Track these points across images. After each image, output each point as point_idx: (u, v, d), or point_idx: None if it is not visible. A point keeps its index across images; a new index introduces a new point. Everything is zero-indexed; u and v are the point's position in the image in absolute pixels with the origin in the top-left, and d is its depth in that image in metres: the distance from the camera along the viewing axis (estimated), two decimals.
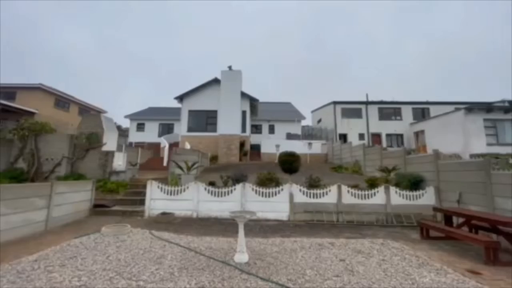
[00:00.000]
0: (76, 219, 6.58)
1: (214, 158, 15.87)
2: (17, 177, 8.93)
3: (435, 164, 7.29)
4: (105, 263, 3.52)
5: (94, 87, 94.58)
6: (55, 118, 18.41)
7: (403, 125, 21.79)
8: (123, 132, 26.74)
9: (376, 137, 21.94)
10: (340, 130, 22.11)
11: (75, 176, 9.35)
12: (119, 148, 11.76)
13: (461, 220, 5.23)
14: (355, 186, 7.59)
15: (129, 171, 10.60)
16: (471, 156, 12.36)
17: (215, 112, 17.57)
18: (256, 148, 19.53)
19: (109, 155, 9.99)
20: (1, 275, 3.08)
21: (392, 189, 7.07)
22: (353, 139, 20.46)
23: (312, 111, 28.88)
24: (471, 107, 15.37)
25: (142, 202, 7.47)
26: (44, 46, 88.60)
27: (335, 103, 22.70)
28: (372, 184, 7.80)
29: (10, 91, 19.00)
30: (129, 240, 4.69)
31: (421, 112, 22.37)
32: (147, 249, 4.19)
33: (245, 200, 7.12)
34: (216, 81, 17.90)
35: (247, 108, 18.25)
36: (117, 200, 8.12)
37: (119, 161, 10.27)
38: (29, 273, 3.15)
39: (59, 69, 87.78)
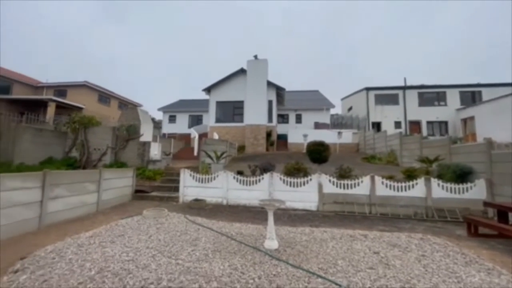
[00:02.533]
0: (121, 203, 7.32)
1: (241, 148, 16.17)
2: (72, 164, 10.18)
3: (487, 154, 6.46)
4: (147, 242, 3.89)
5: (129, 82, 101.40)
6: (98, 112, 20.31)
7: (448, 111, 19.59)
8: (156, 124, 28.54)
9: (415, 125, 20.12)
10: (373, 118, 20.72)
11: (118, 164, 10.32)
12: (154, 139, 12.61)
13: None
14: (390, 177, 7.14)
15: (164, 160, 11.36)
16: None
17: (241, 102, 17.71)
18: (282, 138, 19.36)
19: (146, 145, 10.78)
20: (66, 247, 3.60)
21: (434, 181, 6.49)
22: (388, 127, 19.07)
23: (342, 99, 27.43)
24: None
25: (176, 189, 8.00)
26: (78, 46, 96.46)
27: (367, 89, 21.22)
28: (410, 175, 7.24)
29: (62, 89, 21.44)
30: (167, 223, 5.08)
31: (471, 96, 19.79)
32: (183, 232, 4.51)
33: (273, 189, 7.17)
34: (242, 71, 17.91)
35: (273, 98, 18.04)
36: (154, 186, 8.81)
37: (155, 151, 11.04)
38: (87, 247, 3.63)
39: (94, 67, 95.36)
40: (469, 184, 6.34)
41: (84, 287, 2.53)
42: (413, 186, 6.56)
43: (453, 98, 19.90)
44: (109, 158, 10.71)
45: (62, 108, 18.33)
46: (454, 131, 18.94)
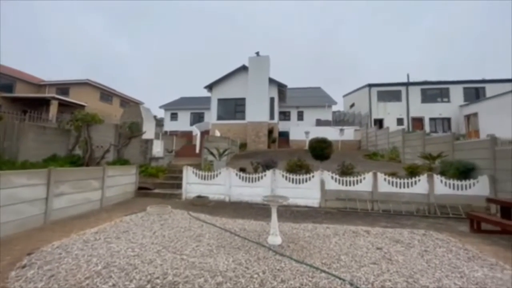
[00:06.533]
0: (124, 200, 7.38)
1: (243, 145, 16.18)
2: (75, 162, 10.24)
3: (491, 150, 6.43)
4: (152, 238, 3.93)
5: (129, 80, 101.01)
6: (101, 110, 20.37)
7: (451, 108, 19.45)
8: (158, 122, 28.58)
9: (418, 122, 20.00)
10: (376, 115, 20.61)
11: (121, 161, 10.38)
12: (157, 136, 12.66)
13: None
14: (392, 174, 7.13)
15: (166, 157, 11.40)
16: None
17: (243, 99, 17.66)
18: (284, 135, 19.34)
19: (149, 142, 10.83)
20: (72, 243, 3.65)
21: (437, 178, 6.48)
22: (391, 124, 18.93)
23: (344, 96, 27.30)
24: None
25: (179, 186, 8.04)
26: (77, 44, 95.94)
27: (370, 85, 21.07)
28: (413, 172, 7.23)
29: (64, 87, 21.49)
30: (171, 220, 5.13)
31: (475, 92, 19.61)
32: (187, 228, 4.55)
33: (275, 186, 7.19)
34: (244, 68, 17.84)
35: (275, 95, 17.97)
36: (157, 183, 8.86)
37: (158, 148, 11.09)
38: (93, 243, 3.68)
39: (96, 67, 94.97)
40: (472, 181, 6.33)
41: (91, 282, 2.57)
42: (415, 182, 6.56)
43: (457, 95, 19.73)
44: (112, 155, 10.77)
45: (64, 106, 18.40)
46: (457, 128, 18.81)
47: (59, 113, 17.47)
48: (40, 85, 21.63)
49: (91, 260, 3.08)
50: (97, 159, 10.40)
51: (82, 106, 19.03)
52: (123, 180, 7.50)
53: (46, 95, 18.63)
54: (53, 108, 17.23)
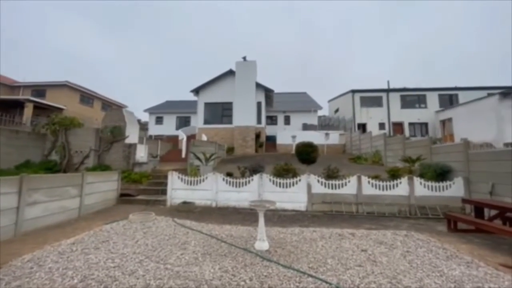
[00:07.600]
0: (105, 207, 7.04)
1: (230, 150, 16.07)
2: (51, 168, 9.67)
3: (464, 153, 6.83)
4: (134, 247, 3.76)
5: (113, 83, 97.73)
6: (80, 113, 19.47)
7: (428, 113, 20.54)
8: (143, 126, 27.75)
9: (398, 126, 20.91)
10: (359, 120, 21.31)
11: (102, 167, 9.93)
12: (141, 141, 12.27)
13: (493, 212, 4.90)
14: (375, 177, 7.36)
15: (151, 162, 11.07)
16: (506, 145, 11.43)
17: (230, 104, 17.62)
18: (271, 139, 19.46)
19: (132, 147, 10.46)
20: (46, 255, 3.40)
21: (416, 180, 6.77)
22: (373, 128, 19.69)
23: (329, 101, 28.02)
24: (507, 92, 14.06)
25: (164, 192, 7.81)
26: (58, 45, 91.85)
27: (353, 91, 21.81)
28: (394, 174, 7.51)
29: (40, 89, 20.35)
30: (154, 227, 4.94)
31: (449, 98, 20.88)
32: (172, 236, 4.40)
33: (262, 190, 7.18)
34: (231, 73, 17.85)
35: (262, 99, 18.09)
36: (140, 190, 8.55)
37: (141, 153, 10.73)
38: (69, 254, 3.45)
39: (77, 68, 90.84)
40: (448, 182, 6.67)
41: None
42: (397, 185, 6.81)
43: (433, 101, 20.91)
44: (92, 161, 10.29)
45: (40, 109, 17.41)
46: (434, 132, 19.87)
47: (35, 117, 16.48)
48: (14, 87, 20.35)
49: (66, 273, 2.88)
50: (75, 165, 9.92)
51: (60, 109, 18.11)
52: (104, 187, 7.16)
53: (20, 97, 17.53)
54: (28, 111, 16.25)
